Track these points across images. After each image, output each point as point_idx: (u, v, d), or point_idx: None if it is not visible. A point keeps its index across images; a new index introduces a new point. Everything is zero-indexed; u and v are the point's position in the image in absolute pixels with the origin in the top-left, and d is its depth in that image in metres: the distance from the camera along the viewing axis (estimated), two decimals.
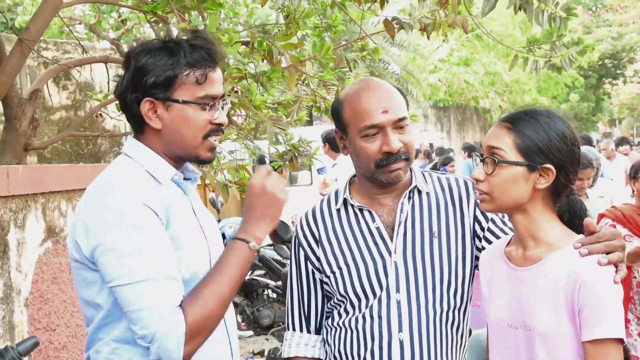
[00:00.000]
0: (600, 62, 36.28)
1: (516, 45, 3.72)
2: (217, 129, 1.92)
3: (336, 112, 2.21)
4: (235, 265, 1.83)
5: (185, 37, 1.92)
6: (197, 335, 1.75)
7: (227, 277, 1.81)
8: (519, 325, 1.86)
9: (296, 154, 3.46)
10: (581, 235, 1.85)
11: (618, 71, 39.23)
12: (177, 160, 1.94)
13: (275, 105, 3.96)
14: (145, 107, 1.86)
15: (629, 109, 47.19)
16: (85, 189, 1.92)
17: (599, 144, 14.53)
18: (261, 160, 1.78)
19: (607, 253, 1.77)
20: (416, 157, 14.07)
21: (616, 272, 1.76)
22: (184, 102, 1.85)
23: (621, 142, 13.01)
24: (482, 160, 1.89)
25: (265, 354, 6.28)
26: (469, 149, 13.23)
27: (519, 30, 23.99)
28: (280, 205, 1.89)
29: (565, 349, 1.78)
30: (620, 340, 1.73)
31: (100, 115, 4.05)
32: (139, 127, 1.93)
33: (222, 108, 1.93)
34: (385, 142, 2.09)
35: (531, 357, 1.83)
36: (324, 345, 2.29)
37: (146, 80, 1.83)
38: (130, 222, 1.75)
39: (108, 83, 4.62)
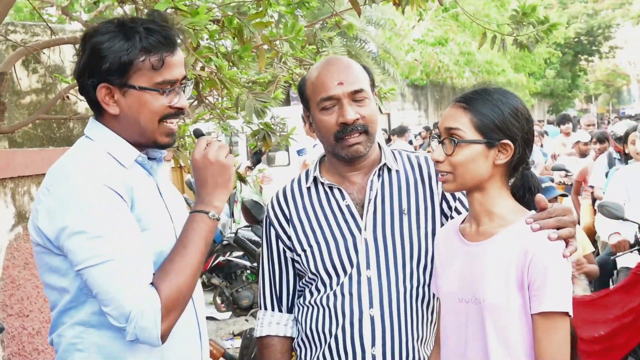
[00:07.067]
0: (575, 39, 36.51)
1: (491, 24, 3.67)
2: (175, 112, 1.88)
3: (301, 90, 2.24)
4: (198, 237, 1.83)
5: (141, 19, 1.87)
6: (172, 309, 1.74)
7: (193, 250, 1.81)
8: (469, 299, 1.89)
9: (269, 132, 3.41)
10: (533, 211, 1.89)
11: (593, 48, 39.53)
12: (137, 146, 1.90)
13: (250, 84, 3.90)
14: (101, 92, 1.83)
15: (605, 85, 47.64)
16: None
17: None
18: (198, 133, 1.80)
19: (558, 228, 1.81)
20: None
21: (566, 246, 1.81)
22: (141, 88, 1.82)
23: (562, 120, 11.33)
24: (441, 142, 1.91)
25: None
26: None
27: (494, 9, 23.96)
28: (228, 171, 1.90)
29: (513, 322, 1.82)
30: (567, 314, 1.78)
31: (68, 97, 3.98)
32: (98, 111, 1.90)
33: (184, 91, 1.90)
34: (341, 113, 2.11)
35: (479, 329, 1.86)
36: (296, 324, 2.29)
37: (101, 65, 1.80)
38: (93, 204, 1.73)
39: None
